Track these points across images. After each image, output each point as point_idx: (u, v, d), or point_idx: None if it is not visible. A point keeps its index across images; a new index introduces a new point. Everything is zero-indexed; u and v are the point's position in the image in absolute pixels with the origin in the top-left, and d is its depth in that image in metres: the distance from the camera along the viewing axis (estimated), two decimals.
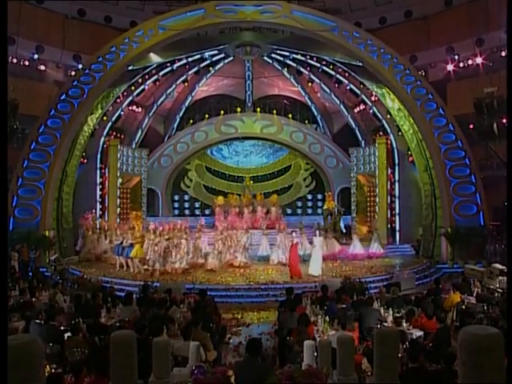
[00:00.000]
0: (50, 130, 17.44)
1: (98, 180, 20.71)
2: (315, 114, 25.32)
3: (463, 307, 8.56)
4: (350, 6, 22.43)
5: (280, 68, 23.71)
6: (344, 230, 20.16)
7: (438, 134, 17.56)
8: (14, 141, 15.59)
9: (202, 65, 22.78)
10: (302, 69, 22.97)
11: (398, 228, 20.27)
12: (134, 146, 23.29)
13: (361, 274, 13.79)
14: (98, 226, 18.28)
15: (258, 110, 24.57)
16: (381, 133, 21.81)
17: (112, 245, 16.47)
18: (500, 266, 11.61)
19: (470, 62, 19.55)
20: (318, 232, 14.99)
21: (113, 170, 20.93)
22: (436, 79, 20.38)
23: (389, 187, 20.68)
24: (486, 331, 3.08)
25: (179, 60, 21.64)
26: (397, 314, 7.60)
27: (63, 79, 20.74)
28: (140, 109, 23.52)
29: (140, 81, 21.49)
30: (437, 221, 18.07)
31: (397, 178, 20.49)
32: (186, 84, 23.50)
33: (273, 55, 22.80)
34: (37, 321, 7.09)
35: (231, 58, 22.88)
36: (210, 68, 23.47)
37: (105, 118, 20.75)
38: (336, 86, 22.72)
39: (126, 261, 14.93)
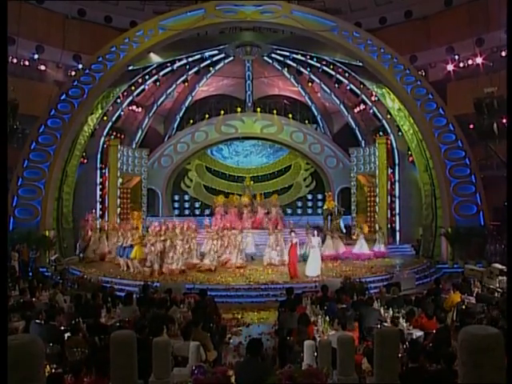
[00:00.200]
0: (50, 130, 17.46)
1: (98, 180, 20.69)
2: (315, 113, 25.32)
3: (463, 307, 8.54)
4: (350, 6, 22.45)
5: (280, 68, 23.71)
6: (344, 230, 20.15)
7: (438, 134, 17.58)
8: (14, 141, 15.63)
9: (202, 65, 22.77)
10: (302, 69, 22.96)
11: (398, 228, 20.27)
12: (134, 145, 23.28)
13: (361, 273, 13.77)
14: (98, 226, 18.27)
15: (258, 110, 24.59)
16: (381, 133, 21.82)
17: (116, 245, 16.44)
18: (500, 266, 11.61)
19: (470, 62, 19.56)
20: (315, 232, 14.85)
21: (113, 170, 20.91)
22: (436, 79, 20.38)
23: (389, 187, 20.65)
24: (486, 331, 3.09)
25: (179, 60, 21.64)
26: (396, 314, 7.59)
27: (63, 79, 20.75)
28: (140, 109, 23.52)
29: (140, 81, 21.50)
30: (437, 221, 18.09)
31: (397, 178, 20.49)
32: (186, 84, 23.49)
33: (273, 55, 22.79)
34: (37, 321, 7.08)
35: (231, 58, 22.89)
36: (210, 68, 23.47)
37: (105, 117, 20.76)
38: (336, 86, 22.70)
39: (126, 262, 14.93)
